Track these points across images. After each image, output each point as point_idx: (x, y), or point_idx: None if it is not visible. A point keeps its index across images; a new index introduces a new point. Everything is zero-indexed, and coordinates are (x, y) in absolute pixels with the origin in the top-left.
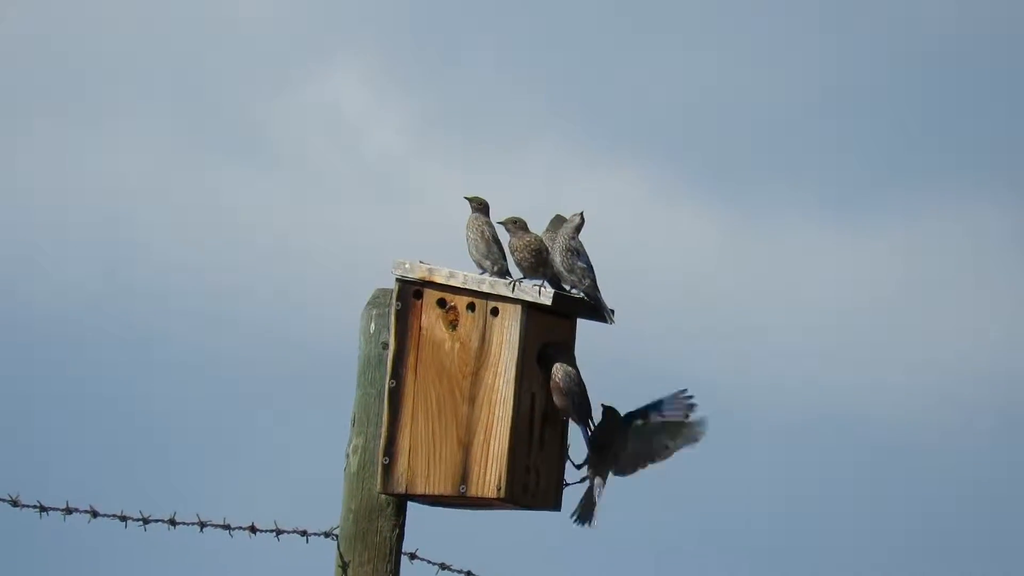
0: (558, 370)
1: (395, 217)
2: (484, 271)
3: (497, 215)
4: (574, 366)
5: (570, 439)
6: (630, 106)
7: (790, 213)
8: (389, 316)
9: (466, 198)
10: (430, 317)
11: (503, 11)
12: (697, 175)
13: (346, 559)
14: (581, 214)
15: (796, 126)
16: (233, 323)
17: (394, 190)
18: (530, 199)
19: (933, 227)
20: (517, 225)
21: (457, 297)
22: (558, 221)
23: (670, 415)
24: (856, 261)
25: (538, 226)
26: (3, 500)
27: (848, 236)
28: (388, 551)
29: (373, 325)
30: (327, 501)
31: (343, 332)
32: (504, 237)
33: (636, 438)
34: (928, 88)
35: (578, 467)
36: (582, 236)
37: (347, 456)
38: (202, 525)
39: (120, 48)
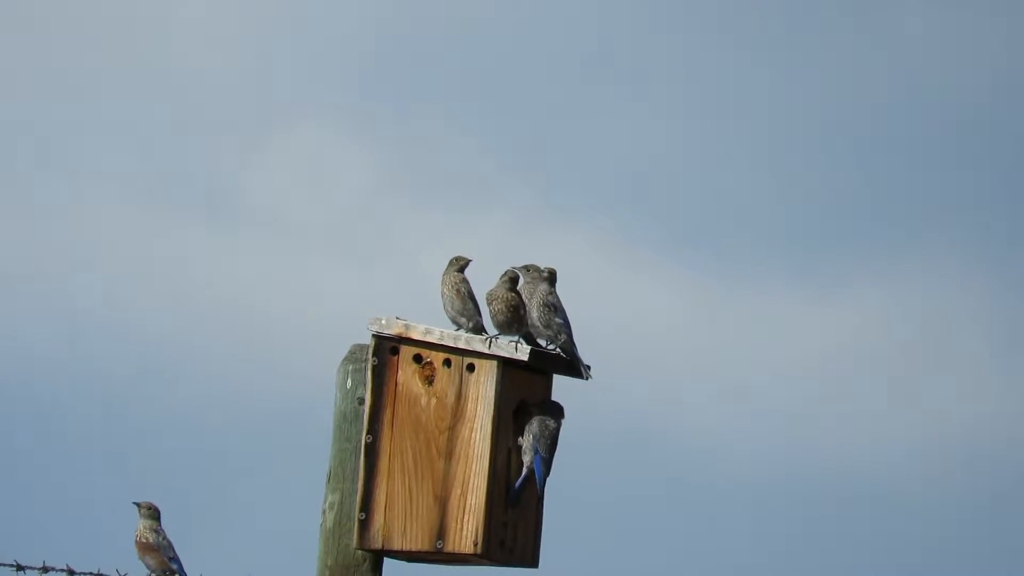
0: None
1: (366, 274)
2: (460, 327)
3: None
4: (556, 420)
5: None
6: (596, 167)
7: (762, 277)
8: (365, 371)
9: (455, 258)
10: (406, 372)
11: (467, 73)
12: (667, 237)
13: None
14: (553, 270)
15: (767, 192)
16: (207, 378)
17: (363, 247)
18: (497, 254)
19: (902, 292)
20: (509, 279)
21: (433, 353)
22: (532, 270)
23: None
24: (824, 323)
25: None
26: None
27: (817, 298)
28: None
29: (349, 380)
30: (303, 557)
31: (318, 389)
32: (481, 291)
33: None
34: (894, 155)
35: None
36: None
37: (323, 512)
38: None
39: (87, 109)
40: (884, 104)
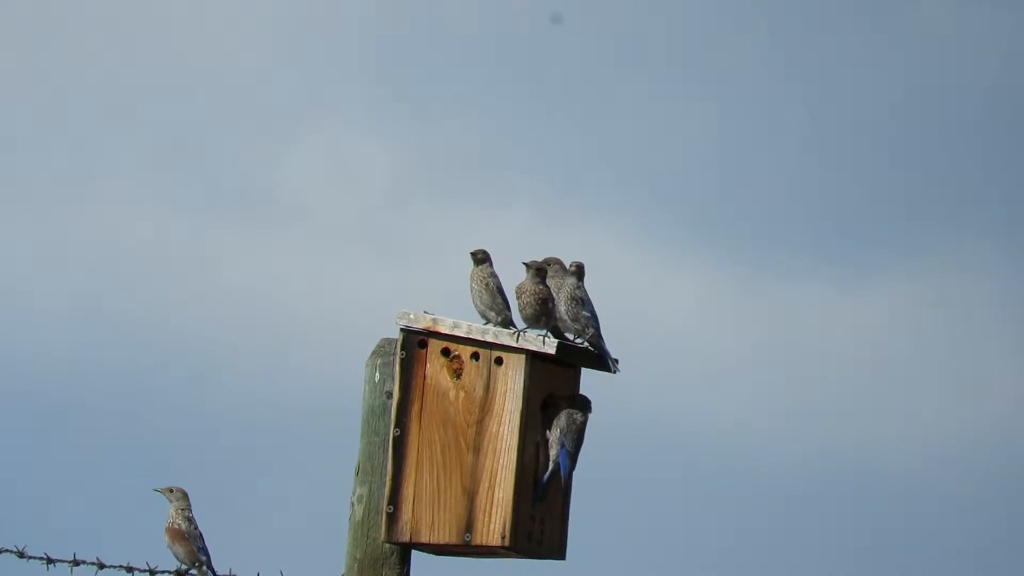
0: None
1: (395, 269)
2: (488, 321)
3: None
4: (583, 414)
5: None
6: (624, 159)
7: (790, 270)
8: (393, 365)
9: (470, 253)
10: (434, 366)
11: (497, 65)
12: (697, 230)
13: None
14: (580, 264)
15: (795, 184)
16: (237, 374)
17: (391, 242)
18: (525, 248)
19: (933, 286)
20: (531, 270)
21: (461, 347)
22: (554, 263)
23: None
24: (854, 316)
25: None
26: (10, 551)
27: (847, 293)
28: None
29: (377, 374)
30: (332, 550)
31: (346, 383)
32: (512, 283)
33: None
34: (926, 147)
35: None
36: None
37: (352, 505)
38: None
39: (117, 107)
40: (916, 93)
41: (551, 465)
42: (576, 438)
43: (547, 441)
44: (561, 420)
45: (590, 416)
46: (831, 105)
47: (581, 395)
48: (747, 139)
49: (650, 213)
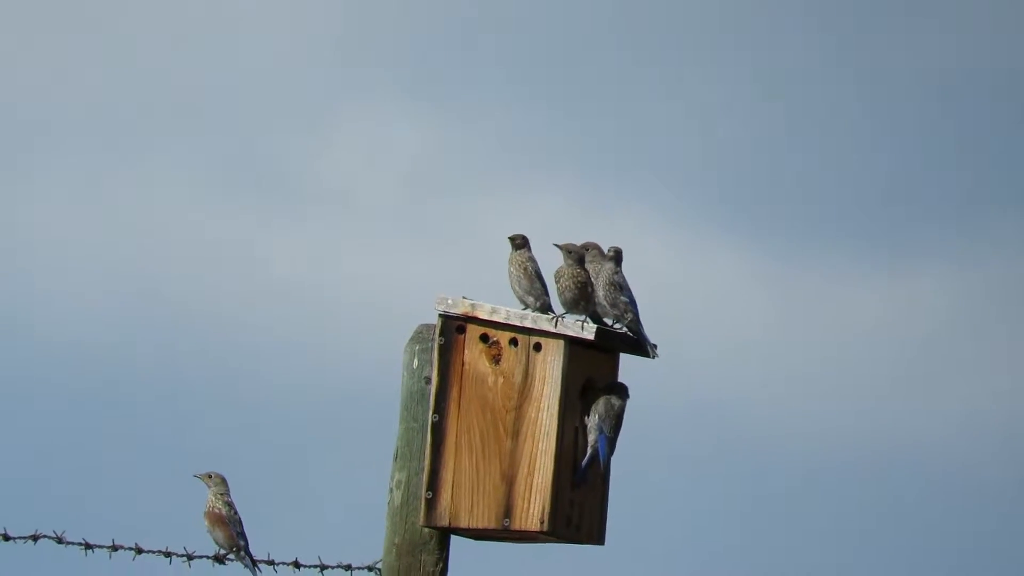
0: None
1: (433, 254)
2: (527, 307)
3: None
4: (621, 399)
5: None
6: (663, 142)
7: (830, 255)
8: (432, 351)
9: (509, 238)
10: (473, 352)
11: (534, 47)
12: (734, 216)
13: None
14: (618, 249)
15: (836, 166)
16: (275, 359)
17: (430, 227)
18: (562, 233)
19: (974, 271)
20: (572, 256)
21: (500, 332)
22: (593, 249)
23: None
24: (895, 302)
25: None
26: (48, 537)
27: (887, 277)
28: None
29: (416, 360)
30: (370, 535)
31: (385, 368)
32: (550, 269)
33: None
34: (964, 126)
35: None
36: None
37: (390, 490)
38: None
39: (152, 93)
40: (964, 69)
41: (589, 450)
42: (614, 423)
43: (586, 427)
44: (599, 406)
45: (628, 403)
46: (872, 83)
47: (619, 382)
48: (783, 118)
49: (685, 197)
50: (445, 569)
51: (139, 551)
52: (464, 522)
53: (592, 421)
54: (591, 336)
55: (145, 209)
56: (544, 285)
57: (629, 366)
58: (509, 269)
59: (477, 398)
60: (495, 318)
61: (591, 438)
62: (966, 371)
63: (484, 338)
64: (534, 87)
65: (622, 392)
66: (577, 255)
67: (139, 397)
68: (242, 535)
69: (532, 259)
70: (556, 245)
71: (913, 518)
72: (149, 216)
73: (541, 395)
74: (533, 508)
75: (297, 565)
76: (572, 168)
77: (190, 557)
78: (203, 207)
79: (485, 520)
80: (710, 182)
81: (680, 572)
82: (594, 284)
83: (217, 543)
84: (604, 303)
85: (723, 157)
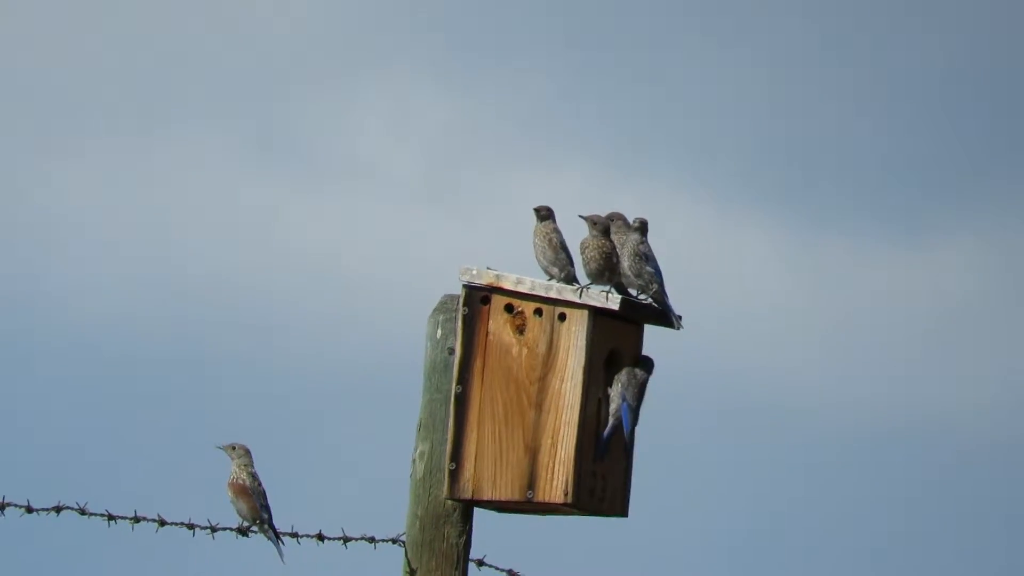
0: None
1: (458, 224)
2: (551, 277)
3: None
4: (645, 371)
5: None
6: (691, 114)
7: (859, 224)
8: (456, 321)
9: (534, 209)
10: (497, 322)
11: (557, 18)
12: (762, 188)
13: (413, 566)
14: (644, 220)
15: (860, 139)
16: (298, 330)
17: (454, 197)
18: (587, 205)
19: (1006, 240)
20: (598, 227)
21: (524, 303)
22: (618, 219)
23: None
24: (926, 271)
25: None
26: (71, 508)
27: (918, 246)
28: (455, 558)
29: (440, 331)
30: (393, 507)
31: (408, 340)
32: (575, 240)
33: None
34: (990, 100)
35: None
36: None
37: (413, 462)
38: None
39: (182, 64)
40: (984, 40)
41: (612, 420)
42: (637, 392)
43: (608, 397)
44: (622, 376)
45: (652, 376)
46: (896, 56)
47: (644, 356)
48: (810, 88)
49: (712, 169)
50: (468, 542)
51: (162, 523)
52: (487, 494)
53: (615, 390)
54: (616, 307)
55: (174, 179)
56: (569, 256)
57: (653, 337)
58: (534, 240)
59: (501, 369)
60: (520, 288)
61: (613, 407)
62: (999, 342)
63: (509, 308)
64: (561, 58)
65: (647, 365)
66: (602, 226)
67: (162, 369)
68: (265, 507)
69: (557, 230)
70: (581, 216)
71: (942, 489)
72: (177, 186)
73: (565, 366)
74: (557, 480)
75: (321, 538)
76: (598, 139)
77: (213, 529)
78: (229, 177)
79: (508, 492)
80: (737, 154)
81: (704, 543)
82: (619, 255)
83: (240, 515)
84: (629, 273)
85: (750, 129)
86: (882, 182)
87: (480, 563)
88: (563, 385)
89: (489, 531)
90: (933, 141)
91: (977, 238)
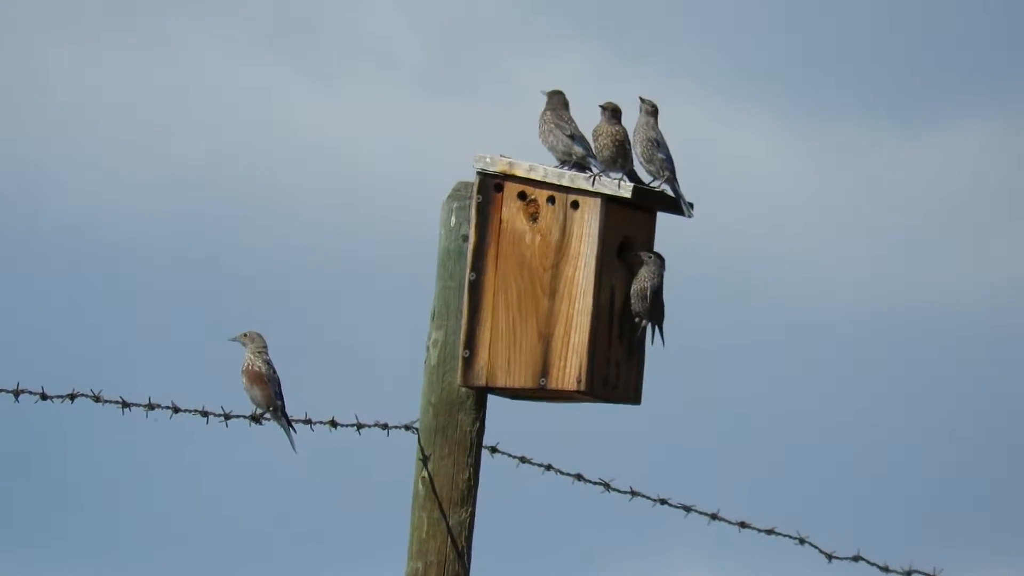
0: (643, 277)
1: (471, 111)
2: (563, 164)
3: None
4: (659, 263)
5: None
6: (694, 3)
7: (864, 108)
8: (470, 209)
9: (543, 92)
10: (511, 210)
11: None
12: (770, 76)
13: (427, 452)
14: (654, 104)
15: (869, 23)
16: (311, 219)
17: (467, 84)
18: (596, 91)
19: (1014, 129)
20: (612, 112)
21: (537, 190)
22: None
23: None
24: (929, 155)
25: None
26: (85, 396)
27: (921, 129)
28: (469, 444)
29: (453, 218)
30: (407, 394)
31: (421, 227)
32: (589, 126)
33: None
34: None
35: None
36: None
37: (427, 349)
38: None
39: None
40: None
41: (641, 321)
42: (654, 295)
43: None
44: (642, 276)
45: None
46: None
47: (655, 253)
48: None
49: (719, 57)
50: (482, 429)
51: (176, 410)
52: (501, 381)
53: (649, 269)
54: (627, 194)
55: (174, 72)
56: (585, 143)
57: (663, 225)
58: (545, 127)
59: (514, 256)
60: (532, 176)
61: (636, 305)
62: (1003, 233)
63: (522, 196)
64: None
65: (659, 262)
66: (615, 112)
67: (175, 260)
68: (279, 395)
69: (570, 119)
70: (600, 105)
71: (941, 378)
72: (178, 79)
73: (578, 254)
74: (570, 367)
75: (334, 424)
76: (605, 26)
77: (227, 416)
78: (235, 66)
79: (522, 379)
80: (747, 42)
81: (715, 430)
82: (631, 140)
83: (254, 402)
84: (641, 160)
85: (760, 17)
86: (896, 70)
87: (493, 450)
88: (576, 273)
89: (502, 418)
90: (947, 29)
91: (989, 128)
